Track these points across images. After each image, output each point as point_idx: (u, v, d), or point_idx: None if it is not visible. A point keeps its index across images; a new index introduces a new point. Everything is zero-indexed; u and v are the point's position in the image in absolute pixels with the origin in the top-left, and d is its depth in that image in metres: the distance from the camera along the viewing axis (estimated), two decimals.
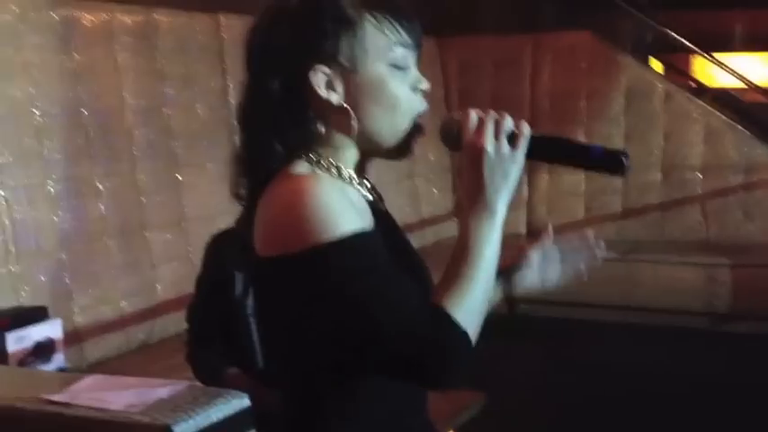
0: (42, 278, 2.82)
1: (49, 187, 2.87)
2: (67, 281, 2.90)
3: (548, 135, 1.04)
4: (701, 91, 6.10)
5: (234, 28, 3.63)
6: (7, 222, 2.73)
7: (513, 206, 4.45)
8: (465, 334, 0.97)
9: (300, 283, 0.96)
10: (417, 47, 1.06)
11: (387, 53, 1.03)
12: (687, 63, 7.38)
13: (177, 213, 3.34)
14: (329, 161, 1.04)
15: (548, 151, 1.05)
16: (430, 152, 4.96)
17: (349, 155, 1.07)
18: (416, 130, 1.06)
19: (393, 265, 0.99)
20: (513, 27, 5.77)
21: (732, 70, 5.65)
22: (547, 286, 1.34)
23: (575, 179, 5.11)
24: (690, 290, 4.39)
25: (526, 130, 1.02)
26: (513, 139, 1.01)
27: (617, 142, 5.03)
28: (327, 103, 1.02)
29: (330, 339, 0.98)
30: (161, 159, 3.31)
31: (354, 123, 1.03)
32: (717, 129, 4.88)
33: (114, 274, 3.06)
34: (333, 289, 0.95)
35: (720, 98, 6.01)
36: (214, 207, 3.25)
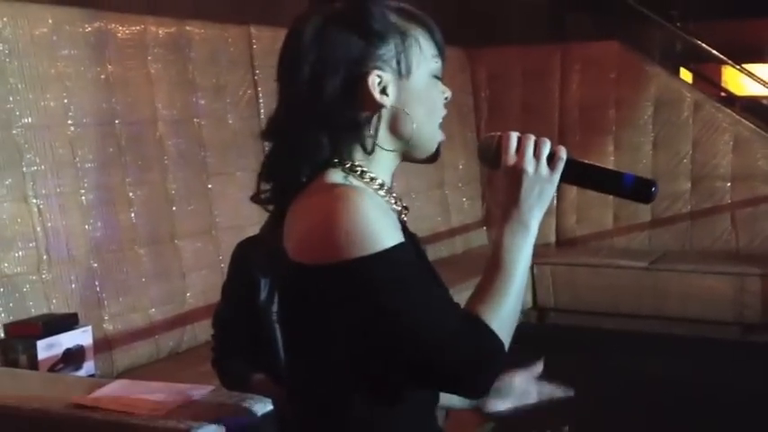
0: (73, 286, 2.86)
1: (81, 196, 2.92)
2: (98, 288, 2.93)
3: (583, 161, 1.09)
4: (731, 100, 6.05)
5: (264, 39, 3.67)
6: (40, 230, 2.77)
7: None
8: (501, 343, 1.01)
9: (339, 293, 0.97)
10: (443, 64, 1.13)
11: (430, 63, 1.09)
12: (717, 73, 7.32)
13: (207, 222, 3.37)
14: (363, 170, 1.06)
15: (582, 176, 1.09)
16: (460, 162, 4.98)
17: (384, 163, 1.09)
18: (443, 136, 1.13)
19: (428, 275, 1.04)
20: (541, 37, 5.79)
21: (762, 80, 5.59)
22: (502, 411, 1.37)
23: None
24: (720, 299, 4.34)
25: (563, 153, 1.06)
26: (550, 161, 1.06)
27: (646, 151, 5.01)
28: (380, 106, 1.06)
29: (365, 350, 0.99)
30: (192, 168, 3.34)
31: (408, 127, 1.06)
32: (746, 138, 4.83)
33: (144, 283, 3.09)
34: (375, 301, 0.96)
35: (750, 107, 5.95)
36: (244, 216, 3.28)
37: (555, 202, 5.15)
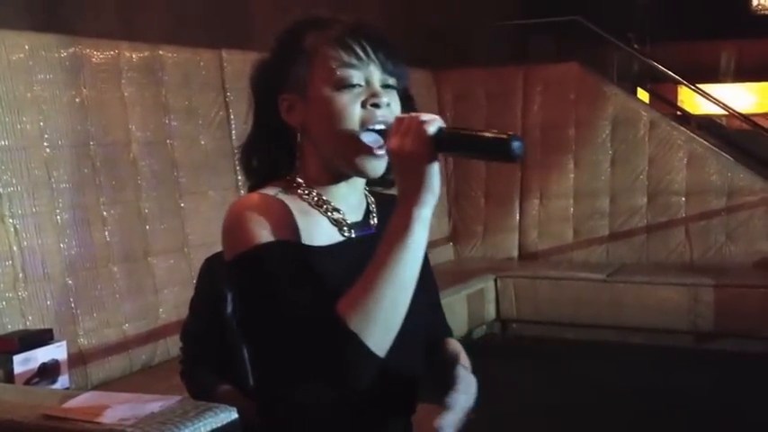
0: (49, 302, 2.91)
1: (56, 215, 2.98)
2: (73, 305, 2.99)
3: (445, 128, 1.03)
4: (686, 119, 6.29)
5: (235, 63, 3.78)
6: (16, 249, 2.83)
7: (506, 230, 4.57)
8: (354, 336, 0.98)
9: (234, 287, 1.11)
10: (377, 64, 1.09)
11: (332, 75, 1.08)
12: (673, 92, 7.57)
13: (180, 240, 3.45)
14: (302, 183, 1.13)
15: (443, 145, 1.02)
16: None
17: (325, 178, 1.13)
18: (380, 144, 1.07)
19: (312, 276, 1.04)
20: (504, 60, 5.97)
21: (715, 99, 5.82)
22: None
23: (563, 204, 5.26)
24: (674, 309, 4.50)
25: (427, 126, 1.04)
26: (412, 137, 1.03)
27: (604, 168, 5.20)
28: (289, 125, 1.14)
29: (259, 342, 1.09)
30: (165, 188, 3.42)
31: (319, 138, 1.11)
32: (699, 154, 5.03)
33: (118, 299, 3.16)
34: (247, 293, 1.07)
35: (704, 125, 6.19)
36: (216, 233, 3.28)
37: (518, 218, 5.33)
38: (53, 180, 2.99)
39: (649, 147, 5.11)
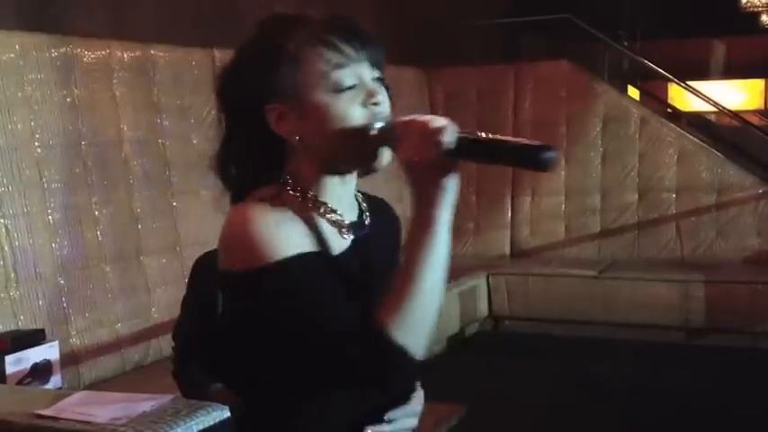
0: (41, 302, 2.91)
1: (48, 215, 2.98)
2: (65, 305, 2.99)
3: (470, 134, 1.01)
4: (676, 116, 6.33)
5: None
6: (7, 249, 2.83)
7: (497, 228, 4.61)
8: (394, 343, 0.98)
9: (240, 300, 1.03)
10: (365, 59, 1.06)
11: (326, 80, 1.03)
12: (663, 90, 7.61)
13: (172, 239, 3.45)
14: (295, 187, 1.07)
15: (470, 151, 1.01)
16: None
17: (323, 179, 1.09)
18: (383, 139, 1.04)
19: (338, 286, 1.01)
20: (495, 58, 5.99)
21: (705, 96, 5.85)
22: None
23: (555, 201, 5.28)
24: (665, 305, 4.53)
25: (447, 136, 1.00)
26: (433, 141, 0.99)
27: (595, 165, 5.23)
28: (281, 135, 1.06)
29: (269, 354, 1.04)
30: (157, 187, 3.42)
31: (315, 148, 1.05)
32: (690, 151, 5.07)
33: (110, 298, 3.16)
34: (269, 308, 1.00)
35: (694, 122, 6.23)
36: (208, 232, 3.36)
37: (509, 215, 5.35)
38: (44, 180, 2.99)
39: (640, 144, 5.14)
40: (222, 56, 3.78)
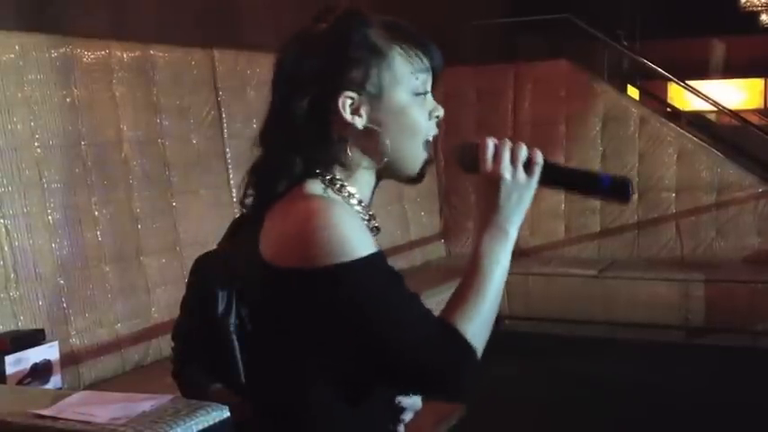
0: (40, 303, 2.91)
1: (47, 216, 2.98)
2: (65, 305, 2.99)
3: (559, 164, 1.09)
4: (675, 115, 6.34)
5: (227, 62, 3.78)
6: (7, 249, 2.83)
7: None
8: (473, 349, 1.01)
9: (316, 298, 0.98)
10: (436, 72, 1.09)
11: (410, 81, 1.06)
12: (662, 89, 7.62)
13: (172, 239, 3.45)
14: (342, 184, 1.06)
15: (560, 179, 1.09)
16: None
17: (364, 179, 1.09)
18: (429, 155, 1.09)
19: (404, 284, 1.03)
20: (495, 58, 6.00)
21: (704, 95, 5.86)
22: None
23: (555, 200, 5.28)
24: (665, 305, 4.54)
25: (539, 158, 1.06)
26: (527, 166, 1.06)
27: (595, 164, 5.22)
28: (352, 126, 1.05)
29: (341, 354, 1.01)
30: (156, 187, 3.42)
31: (382, 146, 1.05)
32: (689, 150, 5.07)
33: (110, 298, 3.16)
34: (351, 307, 0.97)
35: (693, 121, 6.23)
36: (208, 232, 3.37)
37: None
38: (44, 180, 2.99)
39: (639, 143, 5.14)
40: (222, 56, 3.79)
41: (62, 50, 3.11)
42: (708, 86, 7.27)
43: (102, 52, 3.28)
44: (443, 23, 6.00)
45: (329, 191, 1.05)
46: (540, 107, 5.36)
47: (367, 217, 1.08)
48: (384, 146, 1.05)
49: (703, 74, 8.26)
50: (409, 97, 1.06)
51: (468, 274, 1.04)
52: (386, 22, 1.08)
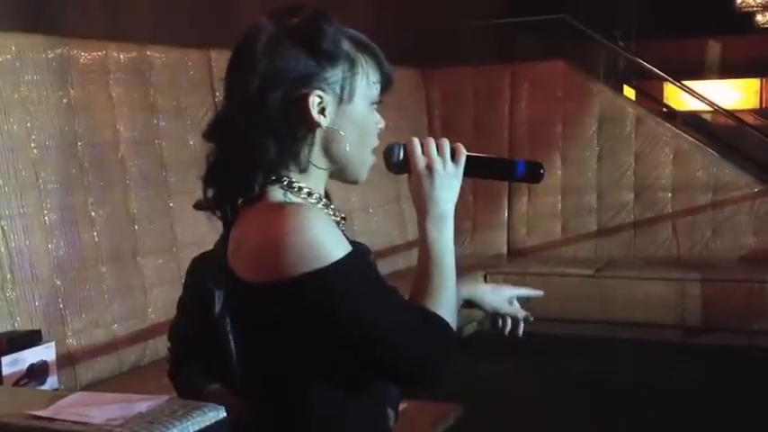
0: (37, 303, 2.91)
1: (44, 216, 2.98)
2: (61, 306, 2.99)
3: (479, 155, 1.17)
4: (671, 115, 6.35)
5: (224, 62, 3.70)
6: (3, 250, 2.83)
7: (494, 227, 4.66)
8: (454, 332, 1.08)
9: (298, 307, 1.00)
10: (386, 84, 1.15)
11: (370, 90, 1.11)
12: (658, 89, 7.64)
13: (169, 239, 3.45)
14: (299, 186, 1.08)
15: (481, 168, 1.17)
16: None
17: (316, 179, 1.11)
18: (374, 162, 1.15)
19: (380, 280, 1.07)
20: (491, 58, 6.01)
21: (700, 95, 5.88)
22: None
23: (552, 201, 5.29)
24: (662, 304, 4.55)
25: (462, 149, 1.14)
26: (453, 157, 1.14)
27: (591, 164, 5.25)
28: (316, 125, 1.07)
29: (334, 356, 1.03)
30: (153, 188, 3.42)
31: (340, 149, 1.09)
32: (685, 150, 5.09)
33: (107, 299, 3.16)
34: (333, 312, 0.99)
35: (689, 122, 6.25)
36: (204, 233, 3.35)
37: (506, 215, 5.36)
38: (41, 181, 2.99)
39: (636, 143, 5.16)
40: (219, 57, 3.79)
41: (59, 51, 3.11)
42: (704, 86, 7.29)
43: (99, 53, 3.28)
44: (441, 24, 6.02)
45: (289, 194, 1.07)
46: (536, 107, 5.37)
47: (331, 212, 1.12)
48: (342, 149, 1.09)
49: (699, 74, 8.28)
50: (367, 106, 1.11)
51: (424, 265, 1.11)
52: (347, 32, 1.11)
